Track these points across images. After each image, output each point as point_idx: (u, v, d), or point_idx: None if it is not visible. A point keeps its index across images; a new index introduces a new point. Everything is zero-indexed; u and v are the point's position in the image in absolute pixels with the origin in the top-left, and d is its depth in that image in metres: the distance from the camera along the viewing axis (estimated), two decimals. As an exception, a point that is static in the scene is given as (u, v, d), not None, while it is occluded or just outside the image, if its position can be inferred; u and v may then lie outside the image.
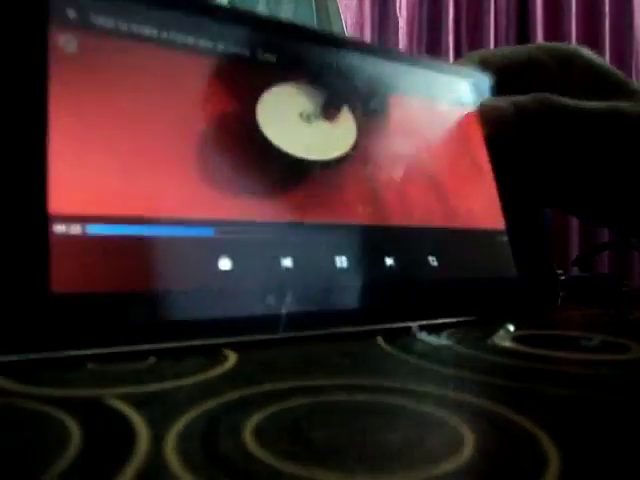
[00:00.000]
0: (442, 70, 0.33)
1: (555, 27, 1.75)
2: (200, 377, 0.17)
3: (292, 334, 0.22)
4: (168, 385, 0.16)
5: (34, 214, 0.19)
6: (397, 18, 1.77)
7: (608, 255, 1.63)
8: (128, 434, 0.13)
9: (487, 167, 0.31)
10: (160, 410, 0.14)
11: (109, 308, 0.20)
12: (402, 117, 0.30)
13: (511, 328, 0.23)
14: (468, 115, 0.32)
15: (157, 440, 0.12)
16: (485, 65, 0.34)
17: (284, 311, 0.22)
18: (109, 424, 0.13)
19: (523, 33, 1.78)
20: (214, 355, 0.19)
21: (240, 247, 0.23)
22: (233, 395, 0.15)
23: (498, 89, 0.33)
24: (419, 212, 0.28)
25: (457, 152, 0.31)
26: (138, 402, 0.15)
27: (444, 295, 0.27)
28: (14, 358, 0.18)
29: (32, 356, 0.18)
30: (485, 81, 0.34)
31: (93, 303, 0.19)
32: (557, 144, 0.32)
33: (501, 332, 0.23)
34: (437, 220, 0.28)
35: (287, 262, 0.23)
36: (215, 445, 0.12)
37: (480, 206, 0.30)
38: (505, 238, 0.30)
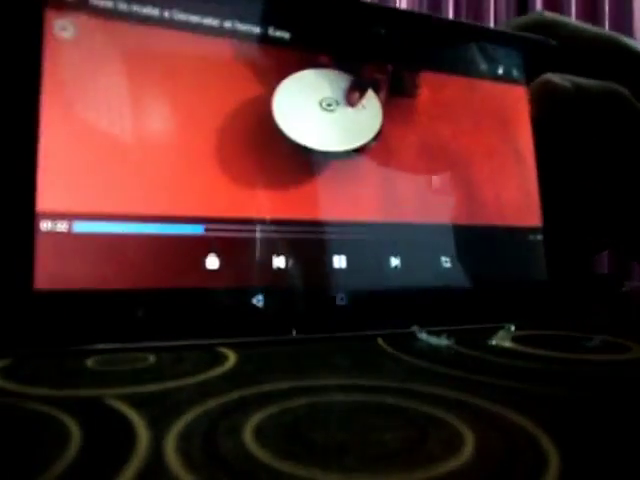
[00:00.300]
0: (490, 39, 0.29)
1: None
2: (200, 377, 0.17)
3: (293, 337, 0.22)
4: (168, 385, 0.16)
5: (21, 211, 0.19)
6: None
7: (608, 255, 1.63)
8: (128, 434, 0.13)
9: (530, 155, 0.28)
10: (160, 410, 0.14)
11: (93, 306, 0.20)
12: (435, 98, 0.27)
13: (511, 328, 0.23)
14: (515, 93, 0.28)
15: (157, 440, 0.12)
16: (555, 31, 0.30)
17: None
18: (109, 424, 0.13)
19: (523, 33, 1.78)
20: (211, 353, 0.19)
21: (229, 245, 0.22)
22: (233, 395, 0.15)
23: (562, 63, 0.29)
24: (440, 208, 0.26)
25: (496, 138, 0.28)
26: (138, 402, 0.15)
27: (457, 299, 0.25)
28: None
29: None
30: (545, 51, 0.29)
31: (77, 301, 0.19)
32: (611, 141, 0.29)
33: (501, 332, 0.23)
34: (462, 217, 0.26)
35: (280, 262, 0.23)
36: (215, 445, 0.12)
37: (515, 200, 0.28)
38: (540, 236, 0.28)
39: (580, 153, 0.29)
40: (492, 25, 1.77)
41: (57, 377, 0.17)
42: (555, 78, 0.28)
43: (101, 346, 0.19)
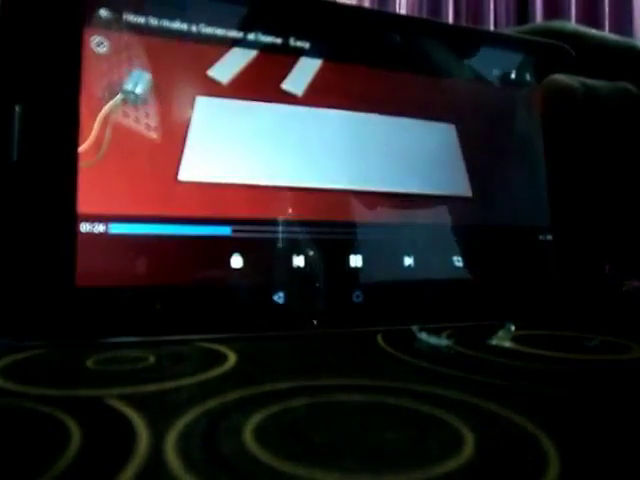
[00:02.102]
0: (503, 44, 0.30)
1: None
2: (200, 377, 0.17)
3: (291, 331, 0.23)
4: (168, 385, 0.16)
5: (63, 214, 0.21)
6: (397, 18, 1.76)
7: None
8: (128, 434, 0.13)
9: (540, 157, 0.29)
10: (160, 410, 0.14)
11: (127, 301, 0.21)
12: (449, 103, 0.28)
13: (511, 328, 0.23)
14: (526, 96, 0.29)
15: (157, 440, 0.12)
16: (578, 41, 0.30)
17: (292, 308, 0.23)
18: (109, 424, 0.13)
19: (523, 33, 1.78)
20: (211, 353, 0.19)
21: (253, 245, 0.23)
22: (233, 395, 0.15)
23: (582, 71, 0.29)
24: (452, 209, 0.27)
25: (507, 140, 0.29)
26: (138, 402, 0.15)
27: (468, 297, 0.26)
28: (41, 343, 0.20)
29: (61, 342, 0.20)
30: (557, 55, 0.30)
31: (113, 296, 0.21)
32: (620, 139, 0.28)
33: (501, 332, 0.23)
34: (473, 218, 0.27)
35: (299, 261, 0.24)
36: (215, 445, 0.12)
37: (525, 201, 0.28)
38: (549, 236, 0.28)
39: (590, 152, 0.29)
40: (491, 25, 1.77)
41: (57, 377, 0.17)
42: (563, 78, 0.28)
43: (134, 339, 0.21)
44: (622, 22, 1.74)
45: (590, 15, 1.75)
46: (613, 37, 0.32)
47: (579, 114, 0.28)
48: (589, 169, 0.29)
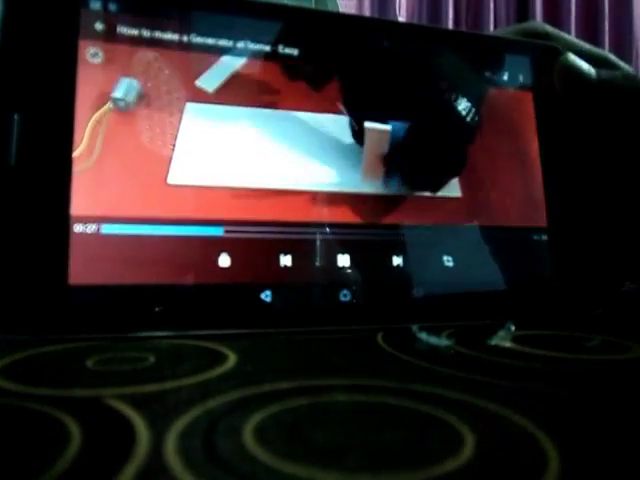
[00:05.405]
0: (496, 47, 0.30)
1: (555, 27, 1.75)
2: (200, 377, 0.17)
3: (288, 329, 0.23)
4: (168, 385, 0.16)
5: (57, 216, 0.22)
6: (397, 18, 1.77)
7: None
8: (128, 434, 0.13)
9: (535, 157, 0.29)
10: (160, 410, 0.14)
11: (118, 299, 0.22)
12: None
13: (511, 328, 0.23)
14: (521, 97, 0.29)
15: (157, 440, 0.12)
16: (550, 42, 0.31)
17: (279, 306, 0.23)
18: (109, 424, 0.13)
19: (523, 33, 1.78)
20: (211, 353, 0.19)
21: (241, 245, 0.23)
22: (233, 395, 0.15)
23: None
24: (445, 209, 0.27)
25: (502, 141, 0.29)
26: (138, 402, 0.15)
27: (459, 298, 0.26)
28: (36, 338, 0.20)
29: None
30: (551, 57, 0.30)
31: (105, 294, 0.22)
32: (632, 129, 0.28)
33: (501, 332, 0.23)
34: (467, 218, 0.27)
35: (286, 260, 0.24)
36: (215, 445, 0.12)
37: (520, 201, 0.28)
38: (544, 237, 0.28)
39: (601, 140, 0.29)
40: (491, 25, 1.77)
41: (57, 377, 0.17)
42: (578, 60, 0.29)
43: (124, 335, 0.21)
44: (622, 23, 1.74)
45: (590, 15, 1.75)
46: (583, 44, 0.32)
47: (590, 96, 0.28)
48: (601, 157, 0.29)
